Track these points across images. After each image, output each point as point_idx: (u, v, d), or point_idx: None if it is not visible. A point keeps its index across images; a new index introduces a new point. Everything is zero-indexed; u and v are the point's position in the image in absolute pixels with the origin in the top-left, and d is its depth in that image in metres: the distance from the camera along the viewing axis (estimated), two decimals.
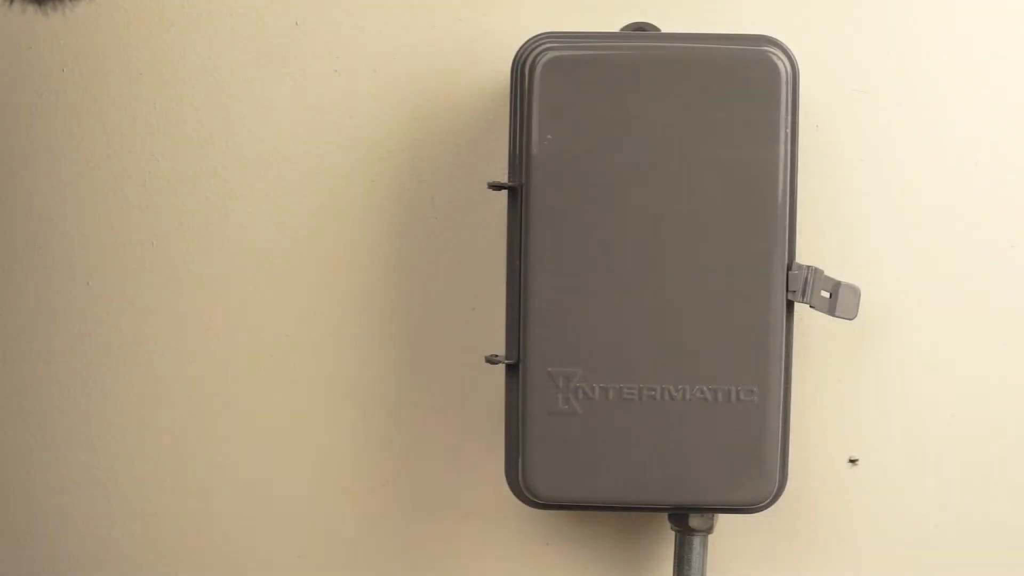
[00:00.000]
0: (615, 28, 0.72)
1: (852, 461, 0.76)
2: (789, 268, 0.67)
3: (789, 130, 0.67)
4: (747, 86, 0.67)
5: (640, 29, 0.72)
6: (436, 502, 0.78)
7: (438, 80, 0.75)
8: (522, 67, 0.67)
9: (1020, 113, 0.74)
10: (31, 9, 0.53)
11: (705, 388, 0.67)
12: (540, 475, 0.68)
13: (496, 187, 0.69)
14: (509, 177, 0.69)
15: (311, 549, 0.78)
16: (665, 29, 0.72)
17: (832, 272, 0.72)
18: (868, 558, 0.77)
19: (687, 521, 0.71)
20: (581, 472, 0.68)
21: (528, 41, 0.68)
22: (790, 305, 0.68)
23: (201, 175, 0.76)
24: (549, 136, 0.67)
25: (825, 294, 0.69)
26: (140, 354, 0.78)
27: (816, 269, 0.68)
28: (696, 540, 0.72)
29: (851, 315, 0.70)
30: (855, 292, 0.69)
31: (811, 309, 0.69)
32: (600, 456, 0.68)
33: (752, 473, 0.68)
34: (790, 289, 0.67)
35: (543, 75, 0.66)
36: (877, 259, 0.75)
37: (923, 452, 0.76)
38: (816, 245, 0.74)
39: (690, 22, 0.74)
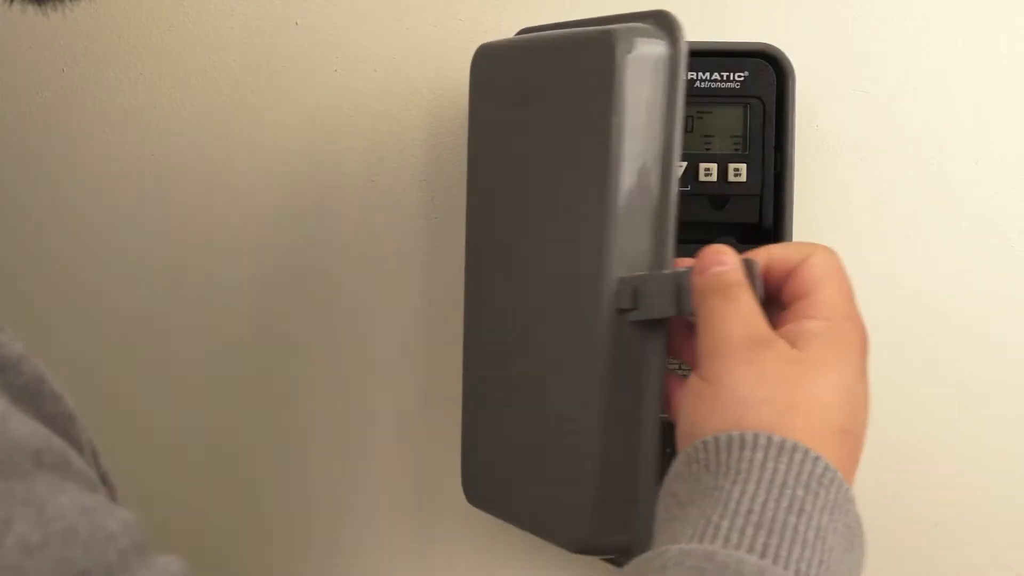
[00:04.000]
0: None
1: None
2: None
3: (639, 119, 0.54)
4: (585, 72, 0.56)
5: None
6: (438, 502, 0.78)
7: (438, 80, 0.75)
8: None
9: (1020, 111, 0.74)
10: (31, 9, 0.53)
11: (539, 408, 0.59)
12: (463, 481, 0.67)
13: None
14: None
15: (313, 549, 0.78)
16: None
17: None
18: (868, 558, 0.77)
19: None
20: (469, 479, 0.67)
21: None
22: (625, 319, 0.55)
23: (201, 176, 0.77)
24: (476, 134, 0.65)
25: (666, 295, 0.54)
26: (139, 355, 0.78)
27: (647, 275, 0.54)
28: None
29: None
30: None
31: None
32: (482, 468, 0.66)
33: (564, 511, 0.56)
34: (619, 305, 0.54)
35: (473, 67, 0.63)
36: (877, 259, 0.75)
37: (923, 452, 0.76)
38: None
39: (690, 22, 0.74)
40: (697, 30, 0.73)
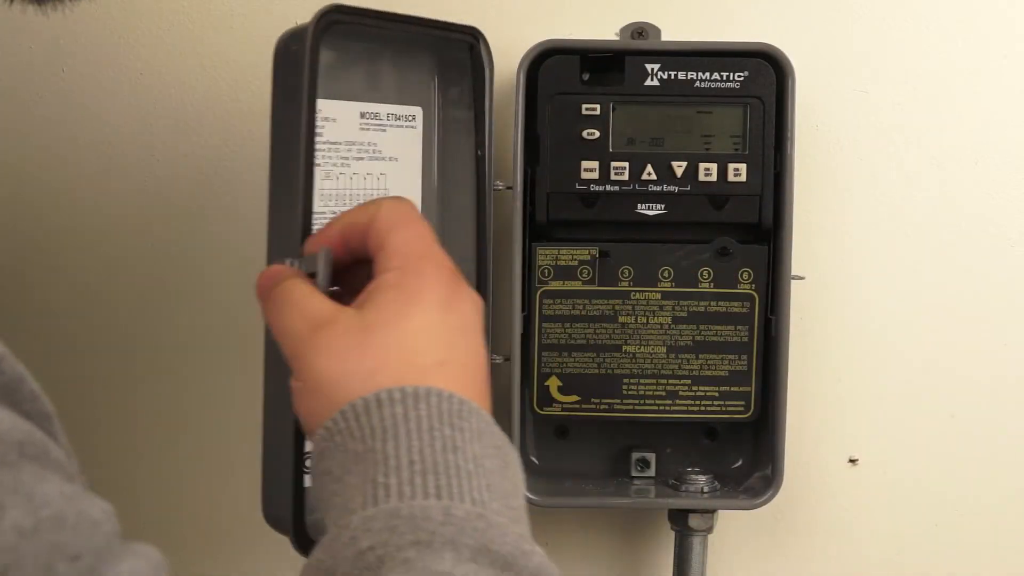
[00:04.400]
0: (615, 29, 0.72)
1: (852, 461, 0.76)
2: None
3: (281, 106, 0.58)
4: None
5: (640, 31, 0.72)
6: None
7: None
8: None
9: (1020, 111, 0.74)
10: (31, 9, 0.53)
11: None
12: None
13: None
14: None
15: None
16: (665, 31, 0.72)
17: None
18: (868, 558, 0.77)
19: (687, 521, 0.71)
20: None
21: None
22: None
23: (201, 176, 0.76)
24: None
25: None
26: (138, 355, 0.78)
27: (295, 260, 0.54)
28: (696, 540, 0.72)
29: None
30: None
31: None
32: None
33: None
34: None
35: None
36: (877, 259, 0.75)
37: (923, 452, 0.76)
38: (815, 245, 0.74)
39: (691, 22, 0.74)
40: (697, 30, 0.74)
